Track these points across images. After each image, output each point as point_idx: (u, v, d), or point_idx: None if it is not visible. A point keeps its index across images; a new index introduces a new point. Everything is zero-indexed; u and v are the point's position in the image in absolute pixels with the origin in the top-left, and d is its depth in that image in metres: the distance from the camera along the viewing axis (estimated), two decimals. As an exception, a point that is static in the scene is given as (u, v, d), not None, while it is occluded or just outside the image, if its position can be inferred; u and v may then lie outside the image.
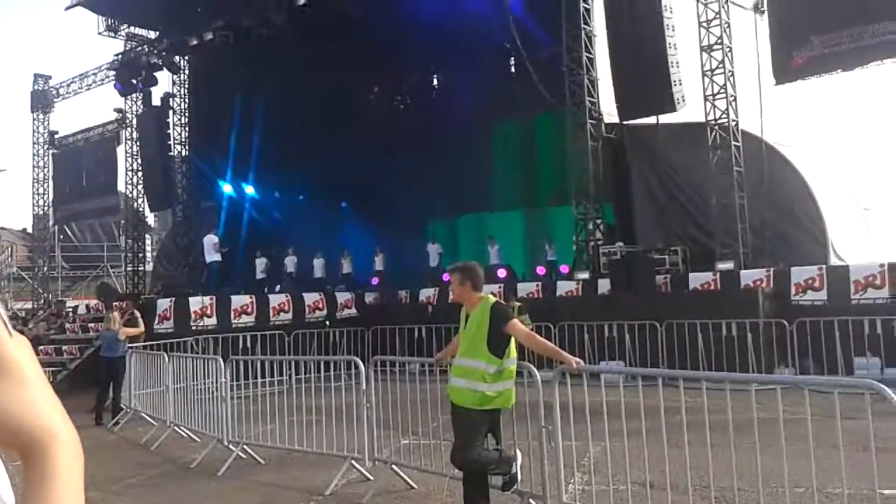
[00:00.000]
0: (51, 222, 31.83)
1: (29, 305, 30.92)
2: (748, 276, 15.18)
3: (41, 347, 18.03)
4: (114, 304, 16.12)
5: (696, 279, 15.75)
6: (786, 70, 16.10)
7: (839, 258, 16.38)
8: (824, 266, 14.80)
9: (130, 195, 27.90)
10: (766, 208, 16.90)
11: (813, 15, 15.57)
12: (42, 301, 30.16)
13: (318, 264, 22.61)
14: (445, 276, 19.32)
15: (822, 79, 16.31)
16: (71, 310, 22.50)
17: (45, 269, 31.97)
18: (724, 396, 4.89)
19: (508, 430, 5.92)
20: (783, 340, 13.23)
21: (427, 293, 19.33)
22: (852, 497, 5.23)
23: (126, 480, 8.25)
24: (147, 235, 31.46)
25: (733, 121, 16.68)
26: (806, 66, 15.85)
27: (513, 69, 25.02)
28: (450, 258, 23.20)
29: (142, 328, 13.93)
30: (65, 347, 17.90)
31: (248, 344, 16.29)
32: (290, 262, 22.63)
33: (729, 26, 16.87)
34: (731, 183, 16.49)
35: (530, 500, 5.94)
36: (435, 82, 29.16)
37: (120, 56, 25.98)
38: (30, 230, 34.02)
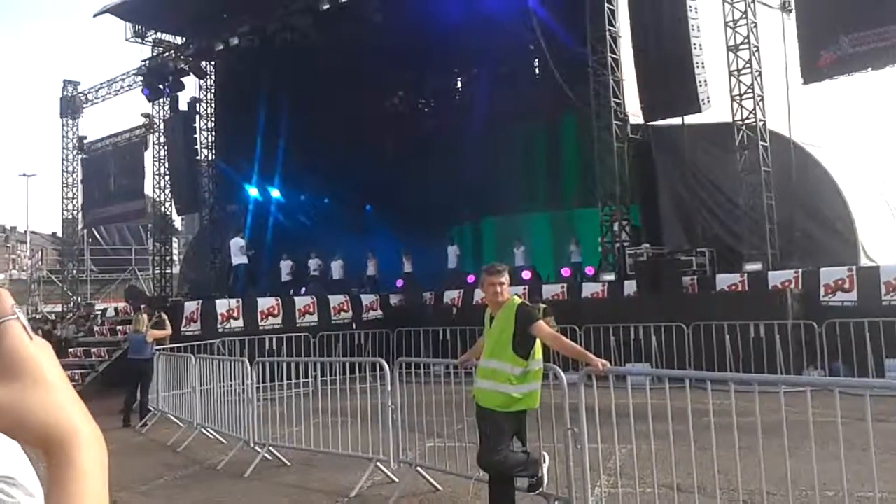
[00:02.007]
0: (80, 226, 32.20)
1: (59, 308, 31.36)
2: (776, 278, 15.00)
3: (70, 350, 18.28)
4: (141, 306, 16.29)
5: (724, 280, 15.61)
6: (814, 69, 15.90)
7: (869, 259, 16.14)
8: (854, 267, 14.58)
9: (158, 199, 28.21)
10: (794, 209, 16.70)
11: (841, 14, 15.37)
12: (71, 304, 30.55)
13: (342, 266, 22.61)
14: (470, 278, 19.35)
15: (852, 78, 16.08)
16: (99, 312, 22.78)
17: (75, 272, 32.35)
18: (752, 398, 4.84)
19: (534, 432, 5.89)
20: (812, 342, 13.06)
21: (452, 295, 19.29)
22: (884, 501, 5.16)
23: (153, 481, 8.33)
24: (174, 239, 31.76)
25: (761, 121, 16.51)
26: (834, 66, 15.64)
27: (537, 71, 24.98)
28: (472, 260, 23.21)
29: (169, 331, 14.04)
30: (93, 350, 18.13)
31: (275, 346, 16.38)
32: (314, 265, 22.66)
33: (756, 26, 16.69)
34: (759, 183, 16.32)
35: (556, 503, 5.91)
36: (459, 85, 29.17)
37: (147, 62, 26.27)
38: (59, 234, 34.48)
